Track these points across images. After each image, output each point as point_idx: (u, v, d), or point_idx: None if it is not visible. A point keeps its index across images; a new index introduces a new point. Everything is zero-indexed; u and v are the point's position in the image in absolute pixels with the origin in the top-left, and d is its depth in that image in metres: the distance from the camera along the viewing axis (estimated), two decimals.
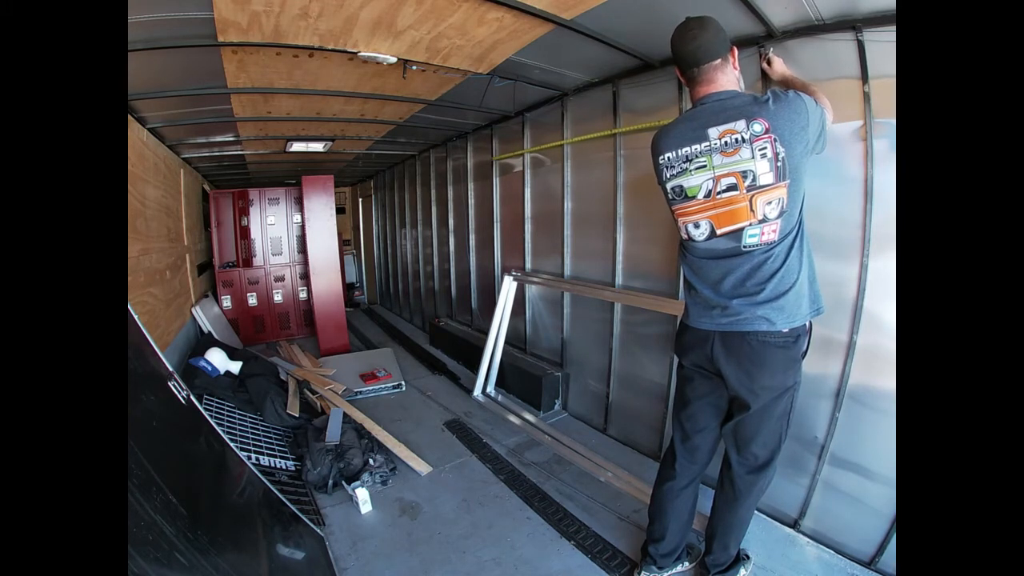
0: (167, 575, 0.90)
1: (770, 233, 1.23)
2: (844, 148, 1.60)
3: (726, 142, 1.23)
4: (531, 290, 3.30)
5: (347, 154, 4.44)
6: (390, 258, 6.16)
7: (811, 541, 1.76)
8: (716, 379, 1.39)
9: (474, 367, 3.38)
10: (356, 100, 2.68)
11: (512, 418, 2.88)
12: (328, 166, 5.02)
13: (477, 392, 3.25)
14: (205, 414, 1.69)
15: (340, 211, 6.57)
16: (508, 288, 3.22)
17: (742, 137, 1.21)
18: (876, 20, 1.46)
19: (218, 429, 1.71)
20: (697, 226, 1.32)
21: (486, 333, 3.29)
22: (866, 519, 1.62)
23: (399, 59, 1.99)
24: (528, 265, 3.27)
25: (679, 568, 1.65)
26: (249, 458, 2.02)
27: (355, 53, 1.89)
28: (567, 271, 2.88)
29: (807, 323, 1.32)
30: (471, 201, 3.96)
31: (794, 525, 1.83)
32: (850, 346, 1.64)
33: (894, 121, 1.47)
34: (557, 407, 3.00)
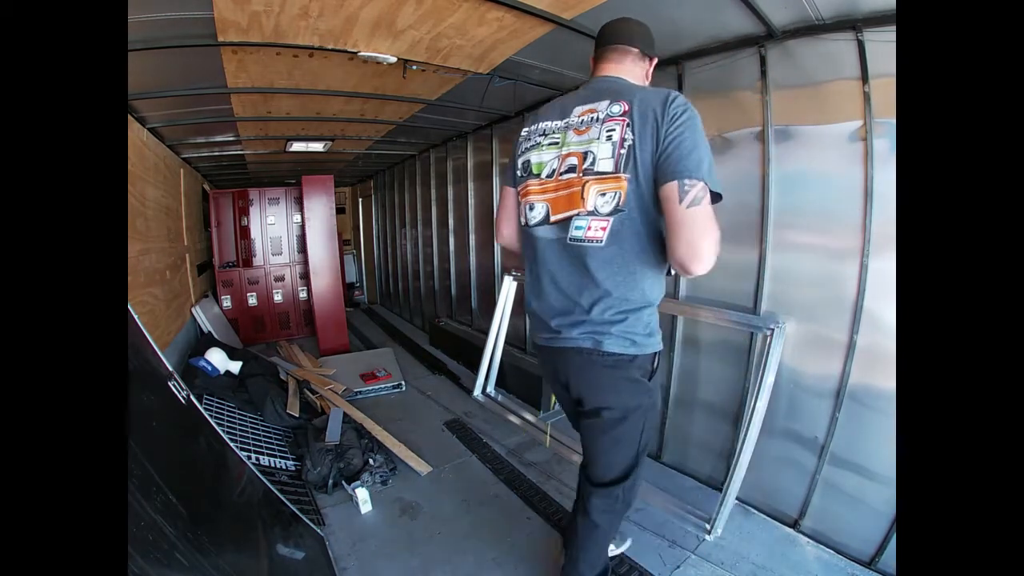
0: (167, 575, 0.90)
1: (598, 230, 1.08)
2: (844, 148, 1.60)
3: (583, 120, 1.12)
4: None
5: (347, 154, 4.44)
6: (390, 258, 6.16)
7: (811, 541, 1.77)
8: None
9: (474, 367, 3.38)
10: (356, 100, 2.68)
11: (512, 418, 2.88)
12: (328, 166, 5.02)
13: (477, 392, 3.25)
14: (205, 414, 1.69)
15: (340, 211, 6.57)
16: (508, 288, 3.22)
17: (598, 116, 1.09)
18: (876, 20, 1.46)
19: (218, 429, 1.71)
20: (532, 207, 1.19)
21: (486, 333, 3.28)
22: (866, 519, 1.63)
23: (399, 59, 1.99)
24: None
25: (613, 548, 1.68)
26: (249, 458, 2.02)
27: (355, 53, 1.89)
28: None
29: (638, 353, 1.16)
30: (471, 201, 3.96)
31: (794, 525, 1.83)
32: (850, 346, 1.64)
33: (894, 121, 1.47)
34: (557, 407, 3.00)
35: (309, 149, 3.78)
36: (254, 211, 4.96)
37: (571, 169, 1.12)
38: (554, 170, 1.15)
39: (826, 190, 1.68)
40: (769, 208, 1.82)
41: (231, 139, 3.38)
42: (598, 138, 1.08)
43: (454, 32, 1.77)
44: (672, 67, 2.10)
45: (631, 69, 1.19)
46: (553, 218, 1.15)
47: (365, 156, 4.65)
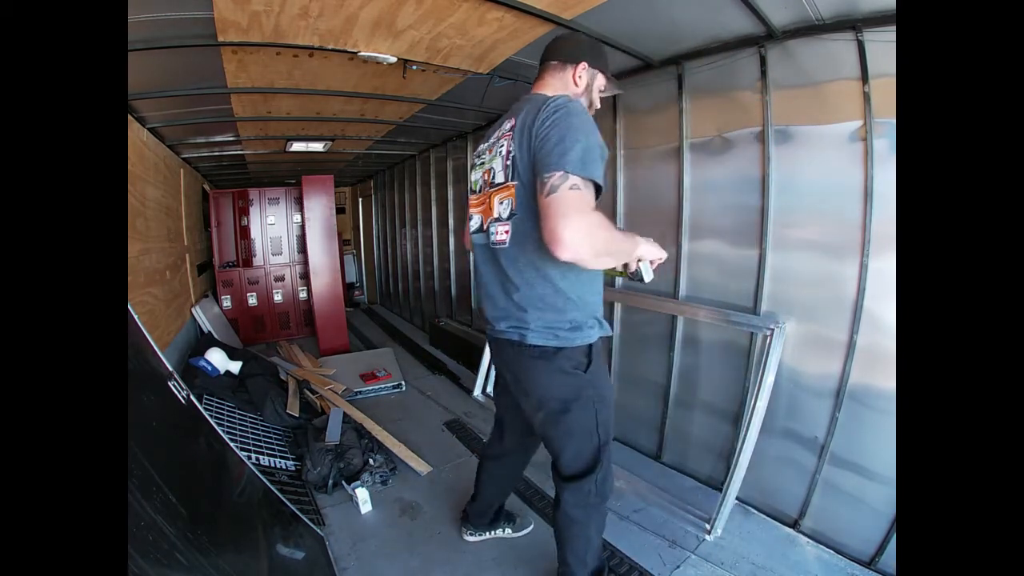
0: (167, 575, 0.90)
1: (502, 234, 1.20)
2: (844, 148, 1.60)
3: (497, 136, 1.27)
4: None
5: (347, 154, 4.44)
6: (390, 258, 6.16)
7: (811, 541, 1.77)
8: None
9: (474, 367, 3.38)
10: (356, 100, 2.68)
11: None
12: (328, 166, 5.01)
13: (477, 392, 3.25)
14: (205, 414, 1.69)
15: (340, 211, 6.57)
16: None
17: (500, 134, 1.24)
18: (876, 20, 1.46)
19: (218, 429, 1.71)
20: (471, 219, 1.37)
21: (486, 333, 3.28)
22: (866, 519, 1.63)
23: (399, 59, 1.99)
24: None
25: (500, 532, 1.83)
26: (249, 458, 2.02)
27: (355, 53, 1.89)
28: None
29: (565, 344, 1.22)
30: None
31: (794, 525, 1.83)
32: (850, 346, 1.64)
33: (894, 121, 1.47)
34: None
35: (309, 149, 3.78)
36: (254, 211, 4.95)
37: (487, 183, 1.28)
38: (480, 185, 1.33)
39: (826, 190, 1.68)
40: (769, 208, 1.82)
41: (231, 139, 3.37)
42: (497, 154, 1.24)
43: (454, 32, 1.77)
44: (672, 67, 2.10)
45: (551, 82, 1.29)
46: (485, 227, 1.30)
47: (365, 156, 4.65)
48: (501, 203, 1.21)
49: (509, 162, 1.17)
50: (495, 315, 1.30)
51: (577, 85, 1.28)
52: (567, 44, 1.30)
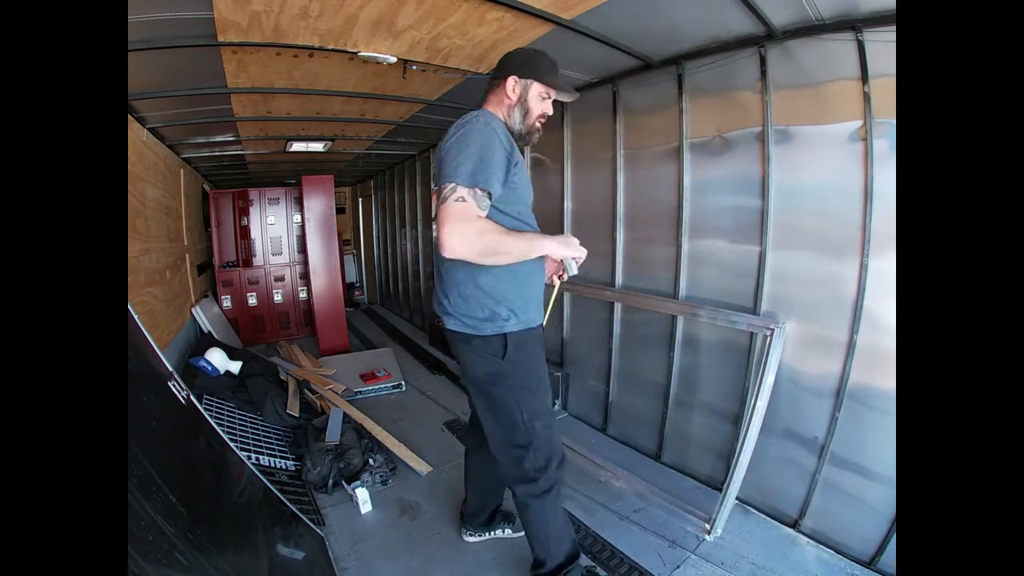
0: (167, 575, 0.90)
1: (438, 231, 1.30)
2: (844, 148, 1.60)
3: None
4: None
5: (347, 154, 4.44)
6: (390, 258, 6.15)
7: (811, 541, 1.77)
8: None
9: None
10: (356, 100, 2.68)
11: None
12: (328, 166, 5.01)
13: None
14: (205, 414, 1.69)
15: (340, 211, 6.56)
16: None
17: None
18: (876, 20, 1.46)
19: (218, 429, 1.71)
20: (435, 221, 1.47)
21: None
22: (866, 519, 1.63)
23: (399, 59, 1.99)
24: None
25: (500, 533, 1.83)
26: (249, 458, 2.02)
27: (355, 53, 1.89)
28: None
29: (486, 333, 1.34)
30: None
31: (794, 525, 1.83)
32: (850, 346, 1.64)
33: (894, 121, 1.47)
34: (557, 407, 3.00)
35: (309, 149, 3.78)
36: (254, 211, 4.96)
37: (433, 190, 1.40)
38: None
39: (826, 190, 1.68)
40: (769, 208, 1.82)
41: (231, 139, 3.37)
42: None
43: (454, 32, 1.77)
44: (672, 67, 2.10)
45: (490, 98, 1.41)
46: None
47: (365, 156, 4.65)
48: (435, 205, 1.32)
49: (437, 167, 1.31)
50: (436, 306, 1.47)
51: (510, 97, 1.37)
52: (503, 61, 1.41)
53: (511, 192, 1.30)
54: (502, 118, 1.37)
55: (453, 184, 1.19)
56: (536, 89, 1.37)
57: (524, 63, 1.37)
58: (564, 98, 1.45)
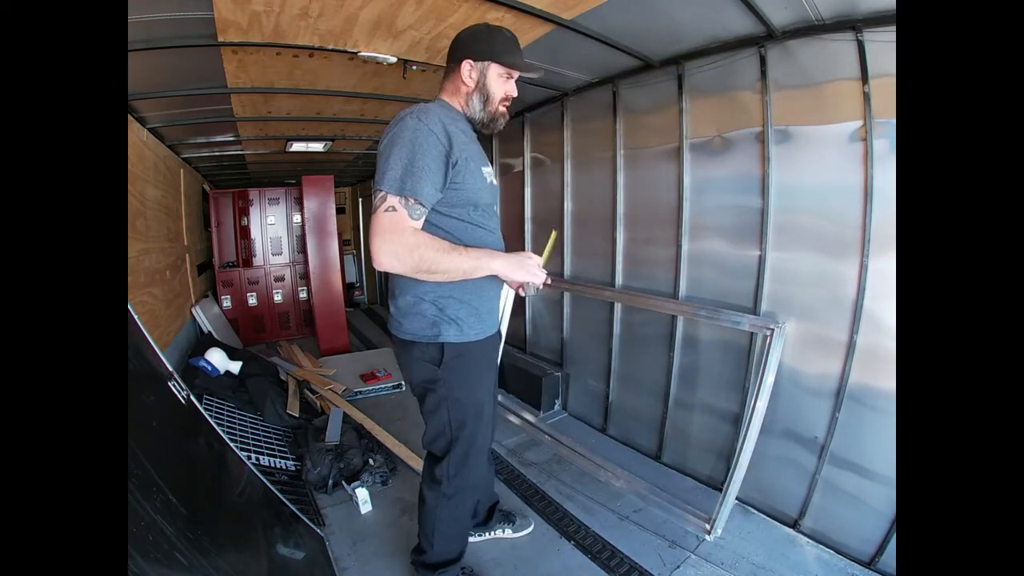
0: (167, 575, 0.90)
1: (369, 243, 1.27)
2: (844, 148, 1.60)
3: None
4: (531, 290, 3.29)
5: (347, 154, 4.43)
6: None
7: (811, 541, 1.77)
8: None
9: None
10: (356, 100, 2.68)
11: (512, 418, 2.88)
12: (328, 166, 5.01)
13: None
14: (205, 414, 1.69)
15: (340, 211, 6.56)
16: (507, 290, 3.21)
17: None
18: (876, 20, 1.46)
19: (218, 429, 1.71)
20: None
21: None
22: (866, 519, 1.63)
23: (399, 59, 1.99)
24: None
25: (499, 533, 1.83)
26: (249, 458, 2.02)
27: (355, 53, 1.89)
28: (567, 271, 2.88)
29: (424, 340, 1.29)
30: None
31: (794, 525, 1.83)
32: (850, 346, 1.64)
33: (894, 121, 1.47)
34: (557, 407, 3.00)
35: (309, 149, 3.78)
36: (254, 211, 4.96)
37: None
38: None
39: (826, 190, 1.68)
40: (769, 208, 1.82)
41: (231, 139, 3.37)
42: None
43: (454, 32, 1.75)
44: (672, 67, 2.10)
45: (446, 87, 1.32)
46: None
47: (365, 156, 4.65)
48: None
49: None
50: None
51: (467, 84, 1.27)
52: (454, 44, 1.28)
53: (455, 193, 1.20)
54: (459, 107, 1.29)
55: (383, 192, 1.12)
56: (495, 70, 1.26)
57: (478, 44, 1.25)
58: (528, 75, 1.34)
